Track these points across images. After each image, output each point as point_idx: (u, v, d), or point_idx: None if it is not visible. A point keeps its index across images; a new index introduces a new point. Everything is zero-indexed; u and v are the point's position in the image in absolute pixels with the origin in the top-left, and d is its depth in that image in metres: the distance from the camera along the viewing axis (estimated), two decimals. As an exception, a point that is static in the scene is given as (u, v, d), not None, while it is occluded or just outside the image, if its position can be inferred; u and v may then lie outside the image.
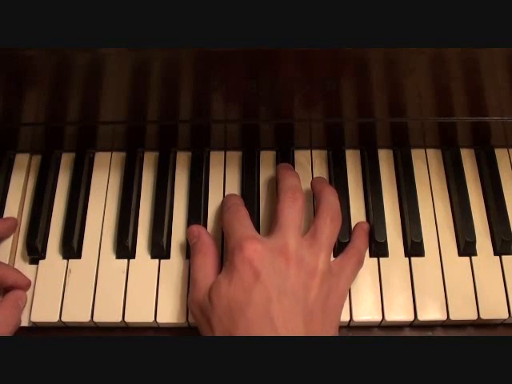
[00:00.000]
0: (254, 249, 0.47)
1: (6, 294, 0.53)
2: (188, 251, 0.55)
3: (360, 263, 0.52)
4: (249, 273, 0.46)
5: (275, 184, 0.58)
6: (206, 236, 0.53)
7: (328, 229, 0.50)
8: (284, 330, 0.44)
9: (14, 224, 0.57)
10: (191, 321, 0.52)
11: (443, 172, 0.59)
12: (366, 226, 0.55)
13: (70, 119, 0.56)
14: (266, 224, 0.56)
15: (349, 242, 0.54)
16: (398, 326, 0.53)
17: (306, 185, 0.58)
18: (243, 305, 0.45)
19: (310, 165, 0.60)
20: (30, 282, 0.54)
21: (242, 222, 0.50)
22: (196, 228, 0.53)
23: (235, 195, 0.56)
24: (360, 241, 0.54)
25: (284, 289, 0.46)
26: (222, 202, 0.56)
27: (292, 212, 0.50)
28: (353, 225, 0.56)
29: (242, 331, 0.44)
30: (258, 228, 0.56)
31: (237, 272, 0.46)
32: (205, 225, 0.56)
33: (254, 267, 0.46)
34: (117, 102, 0.54)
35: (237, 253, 0.47)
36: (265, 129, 0.58)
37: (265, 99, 0.53)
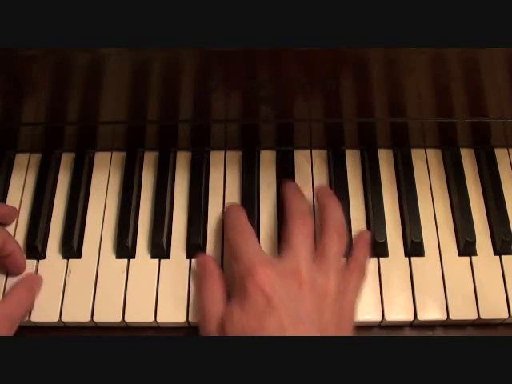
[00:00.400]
0: (265, 274, 0.45)
1: (23, 277, 0.53)
2: (188, 251, 0.55)
3: (362, 275, 0.51)
4: (261, 299, 0.45)
5: (275, 184, 0.58)
6: (211, 264, 0.52)
7: (336, 246, 0.49)
8: None
9: (14, 211, 0.57)
10: (191, 321, 0.52)
11: (443, 172, 0.59)
12: (368, 236, 0.54)
13: (70, 119, 0.56)
14: (266, 224, 0.56)
15: (350, 242, 0.54)
16: (398, 325, 0.53)
17: (306, 186, 0.58)
18: (257, 332, 0.44)
19: (309, 165, 0.60)
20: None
21: (249, 243, 0.49)
22: (201, 258, 0.53)
23: (236, 207, 0.55)
24: (360, 252, 0.53)
25: (298, 313, 0.45)
26: (224, 214, 0.55)
27: (302, 236, 0.49)
28: (353, 225, 0.56)
29: None
30: (257, 228, 0.56)
31: (249, 298, 0.45)
32: (205, 225, 0.57)
33: (265, 293, 0.45)
34: (117, 101, 0.54)
35: (248, 278, 0.46)
36: (265, 129, 0.58)
37: (265, 99, 0.53)
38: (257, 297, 0.45)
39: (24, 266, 0.54)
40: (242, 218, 0.53)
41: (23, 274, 0.54)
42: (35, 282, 0.53)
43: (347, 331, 0.47)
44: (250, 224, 0.52)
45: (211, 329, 0.47)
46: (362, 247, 0.53)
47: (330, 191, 0.56)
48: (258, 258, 0.47)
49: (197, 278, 0.54)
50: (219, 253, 0.55)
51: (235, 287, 0.48)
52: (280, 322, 0.44)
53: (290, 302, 0.45)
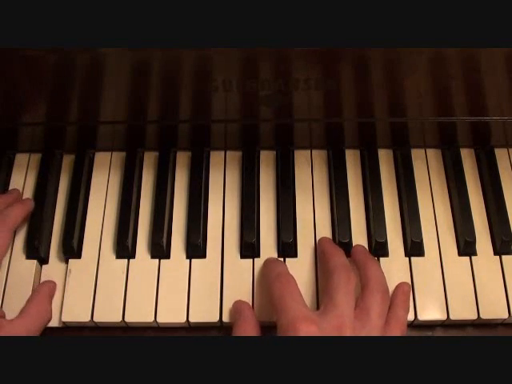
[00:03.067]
0: (309, 331, 0.44)
1: (39, 286, 0.53)
2: (188, 251, 0.55)
3: (403, 332, 0.49)
4: None
5: (275, 184, 0.58)
6: (248, 311, 0.51)
7: (379, 307, 0.48)
8: None
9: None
10: (191, 321, 0.52)
11: (443, 172, 0.59)
12: (408, 289, 0.53)
13: (70, 119, 0.56)
14: (266, 224, 0.56)
15: (349, 242, 0.54)
16: (398, 325, 0.53)
17: (306, 186, 0.58)
18: None
19: (309, 165, 0.60)
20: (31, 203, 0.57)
21: (294, 296, 0.48)
22: (239, 303, 0.52)
23: (277, 260, 0.54)
24: (401, 308, 0.51)
25: None
26: (264, 264, 0.54)
27: (346, 293, 0.48)
28: (353, 225, 0.56)
29: None
30: (257, 228, 0.56)
31: None
32: (205, 225, 0.57)
33: None
34: (117, 101, 0.54)
35: (291, 334, 0.45)
36: (265, 129, 0.58)
37: (265, 99, 0.53)
38: None
39: (30, 206, 0.57)
40: (285, 268, 0.52)
41: (41, 284, 0.54)
42: (53, 291, 0.53)
43: None
44: (292, 276, 0.50)
45: None
46: (402, 303, 0.51)
47: (366, 249, 0.55)
48: (302, 314, 0.46)
49: (197, 278, 0.54)
50: (219, 253, 0.55)
51: None
52: None
53: None
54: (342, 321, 0.46)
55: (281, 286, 0.49)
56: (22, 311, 0.51)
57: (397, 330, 0.49)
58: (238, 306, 0.52)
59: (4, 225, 0.54)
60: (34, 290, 0.53)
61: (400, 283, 0.53)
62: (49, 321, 0.52)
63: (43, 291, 0.53)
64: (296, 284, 0.50)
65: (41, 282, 0.54)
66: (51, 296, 0.53)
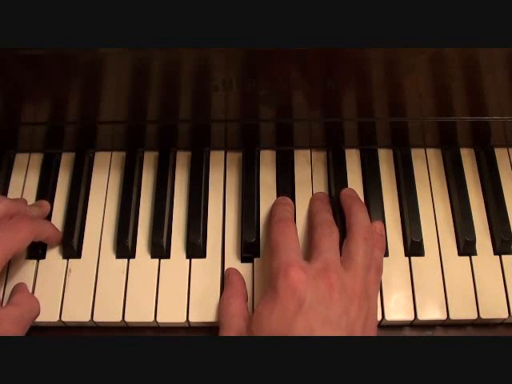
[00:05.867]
0: (298, 277, 0.45)
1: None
2: (188, 251, 0.55)
3: (379, 272, 0.52)
4: (292, 301, 0.44)
5: (275, 184, 0.58)
6: (235, 276, 0.53)
7: (362, 249, 0.50)
8: None
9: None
10: (191, 321, 0.52)
11: (443, 172, 0.59)
12: (380, 227, 0.55)
13: (70, 119, 0.56)
14: (266, 224, 0.56)
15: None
16: (398, 325, 0.53)
17: (306, 186, 0.58)
18: (285, 334, 0.44)
19: (309, 165, 0.60)
20: (61, 234, 0.56)
21: (289, 243, 0.49)
22: (228, 269, 0.54)
23: (286, 200, 0.56)
24: (377, 248, 0.53)
25: (326, 316, 0.45)
26: (273, 206, 0.55)
27: (330, 240, 0.50)
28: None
29: None
30: (257, 228, 0.56)
31: (279, 300, 0.45)
32: (204, 224, 0.57)
33: (297, 295, 0.45)
34: (117, 101, 0.54)
35: (281, 279, 0.46)
36: (265, 129, 0.58)
37: (265, 99, 0.53)
38: (287, 297, 0.45)
39: (59, 238, 0.56)
40: (289, 214, 0.53)
41: (16, 284, 0.54)
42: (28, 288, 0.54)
43: (373, 332, 0.48)
44: (294, 222, 0.53)
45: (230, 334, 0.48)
46: (377, 243, 0.53)
47: (354, 193, 0.56)
48: (293, 260, 0.47)
49: (197, 278, 0.54)
50: (219, 253, 0.55)
51: (267, 283, 0.48)
52: (308, 325, 0.44)
53: (319, 305, 0.45)
54: (328, 265, 0.47)
55: (279, 230, 0.50)
56: (13, 301, 0.51)
57: (373, 271, 0.51)
58: (226, 271, 0.54)
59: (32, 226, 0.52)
60: (17, 284, 0.53)
61: (373, 222, 0.54)
62: (38, 312, 0.52)
63: (25, 287, 0.53)
64: (295, 231, 0.51)
65: (37, 282, 0.54)
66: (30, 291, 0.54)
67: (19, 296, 0.52)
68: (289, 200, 0.56)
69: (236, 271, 0.54)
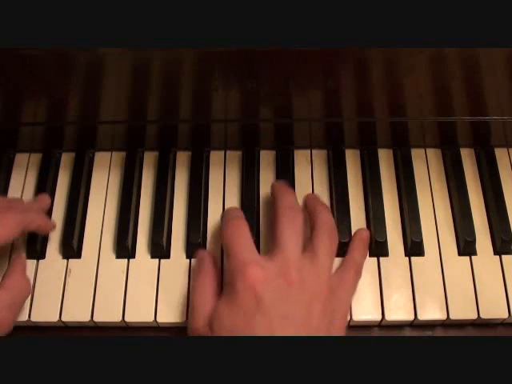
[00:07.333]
0: (255, 275, 0.45)
1: (13, 261, 0.53)
2: (188, 251, 0.55)
3: (358, 274, 0.52)
4: (250, 299, 0.44)
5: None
6: (207, 260, 0.52)
7: (326, 247, 0.49)
8: None
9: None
10: (191, 321, 0.52)
11: (443, 172, 0.59)
12: (366, 235, 0.55)
13: (70, 119, 0.56)
14: (266, 224, 0.56)
15: (349, 242, 0.54)
16: (398, 325, 0.53)
17: (306, 186, 0.58)
18: (245, 333, 0.44)
19: (309, 165, 0.60)
20: (55, 224, 0.56)
21: (242, 241, 0.48)
22: (201, 253, 0.53)
23: (235, 208, 0.54)
24: (358, 252, 0.53)
25: (286, 314, 0.45)
26: (222, 214, 0.55)
27: (291, 233, 0.49)
28: (352, 225, 0.56)
29: None
30: (257, 228, 0.56)
31: (238, 299, 0.45)
32: (204, 224, 0.57)
33: (255, 293, 0.44)
34: (117, 101, 0.54)
35: (238, 278, 0.45)
36: (265, 128, 0.58)
37: (265, 99, 0.53)
38: (246, 297, 0.45)
39: (51, 228, 0.56)
40: (238, 213, 0.52)
41: (13, 260, 0.54)
42: (25, 265, 0.53)
43: (338, 331, 0.47)
44: (245, 220, 0.51)
45: (198, 326, 0.47)
46: (359, 246, 0.53)
47: (317, 197, 0.56)
48: (249, 258, 0.47)
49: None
50: (219, 252, 0.55)
51: (226, 285, 0.48)
52: (269, 323, 0.44)
53: (279, 303, 0.45)
54: (287, 262, 0.47)
55: (231, 230, 0.49)
56: (4, 284, 0.51)
57: (351, 272, 0.51)
58: (200, 255, 0.53)
59: (22, 217, 0.52)
60: (9, 266, 0.53)
61: (358, 229, 0.55)
62: (28, 294, 0.52)
63: (18, 266, 0.53)
64: (247, 229, 0.50)
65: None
66: (25, 270, 0.53)
67: (11, 279, 0.51)
68: (237, 208, 0.55)
69: (208, 255, 0.53)
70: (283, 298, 0.45)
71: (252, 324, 0.44)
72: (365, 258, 0.53)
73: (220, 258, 0.55)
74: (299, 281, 0.46)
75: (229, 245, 0.48)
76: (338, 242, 0.51)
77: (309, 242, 0.50)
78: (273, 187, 0.55)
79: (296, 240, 0.48)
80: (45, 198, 0.57)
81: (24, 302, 0.52)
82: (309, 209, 0.54)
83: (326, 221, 0.51)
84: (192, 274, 0.54)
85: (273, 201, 0.53)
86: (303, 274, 0.47)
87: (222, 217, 0.53)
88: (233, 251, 0.48)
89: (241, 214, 0.52)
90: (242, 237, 0.49)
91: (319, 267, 0.48)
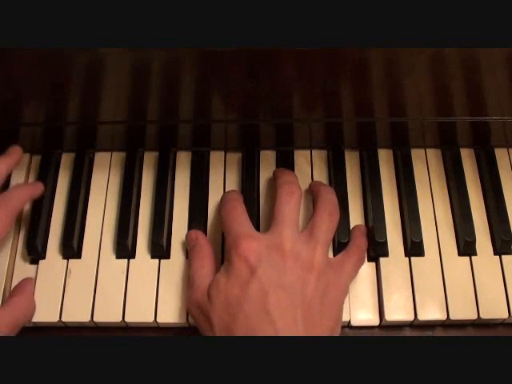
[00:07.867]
0: (249, 246, 0.48)
1: (23, 282, 0.53)
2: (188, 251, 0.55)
3: (361, 259, 0.53)
4: (245, 269, 0.47)
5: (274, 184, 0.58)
6: (203, 240, 0.54)
7: (325, 224, 0.51)
8: (281, 323, 0.45)
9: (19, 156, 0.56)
10: (191, 321, 0.52)
11: (443, 172, 0.59)
12: (363, 228, 0.56)
13: (70, 119, 0.56)
14: (266, 224, 0.56)
15: (348, 241, 0.54)
16: (398, 325, 0.53)
17: (305, 186, 0.58)
18: (241, 300, 0.46)
19: (309, 165, 0.60)
20: (41, 186, 0.56)
21: (238, 219, 0.51)
22: (194, 232, 0.54)
23: (234, 191, 0.57)
24: (360, 239, 0.54)
25: (280, 283, 0.46)
26: (221, 198, 0.56)
27: (288, 207, 0.51)
28: (352, 225, 0.56)
29: (241, 325, 0.45)
30: (257, 228, 0.56)
31: (234, 269, 0.47)
32: (205, 224, 0.57)
33: (249, 263, 0.47)
34: (117, 101, 0.54)
35: (233, 250, 0.48)
36: (265, 129, 0.58)
37: (265, 99, 0.53)
38: (241, 267, 0.47)
39: (39, 191, 0.56)
40: (235, 196, 0.54)
41: (22, 281, 0.54)
42: (33, 288, 0.53)
43: (332, 309, 0.48)
44: (242, 203, 0.53)
45: (197, 297, 0.49)
46: (361, 236, 0.55)
47: (321, 182, 0.58)
48: (244, 232, 0.49)
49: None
50: (219, 252, 0.55)
51: (224, 261, 0.50)
52: (262, 288, 0.46)
53: (273, 273, 0.47)
54: (282, 237, 0.49)
55: (226, 212, 0.52)
56: (10, 303, 0.51)
57: (355, 256, 0.52)
58: (192, 234, 0.54)
59: (5, 209, 0.52)
60: (17, 285, 0.53)
61: (354, 225, 0.56)
62: (32, 316, 0.52)
63: (28, 286, 0.53)
64: (243, 210, 0.52)
65: (37, 282, 0.54)
66: (32, 292, 0.53)
67: (17, 298, 0.52)
68: (236, 191, 0.57)
69: (200, 234, 0.54)
70: (277, 269, 0.47)
71: (247, 291, 0.46)
72: (366, 245, 0.54)
73: (220, 258, 0.55)
74: (293, 253, 0.48)
75: (225, 225, 0.51)
76: (338, 220, 0.52)
77: (310, 219, 0.52)
78: (274, 171, 0.57)
79: (292, 214, 0.50)
80: (15, 151, 0.56)
81: (26, 323, 0.52)
82: (313, 191, 0.55)
83: (328, 198, 0.53)
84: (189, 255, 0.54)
85: (274, 181, 0.55)
86: (298, 247, 0.48)
87: (221, 200, 0.55)
88: (229, 228, 0.50)
89: (238, 195, 0.55)
90: (237, 216, 0.51)
91: (315, 241, 0.49)
